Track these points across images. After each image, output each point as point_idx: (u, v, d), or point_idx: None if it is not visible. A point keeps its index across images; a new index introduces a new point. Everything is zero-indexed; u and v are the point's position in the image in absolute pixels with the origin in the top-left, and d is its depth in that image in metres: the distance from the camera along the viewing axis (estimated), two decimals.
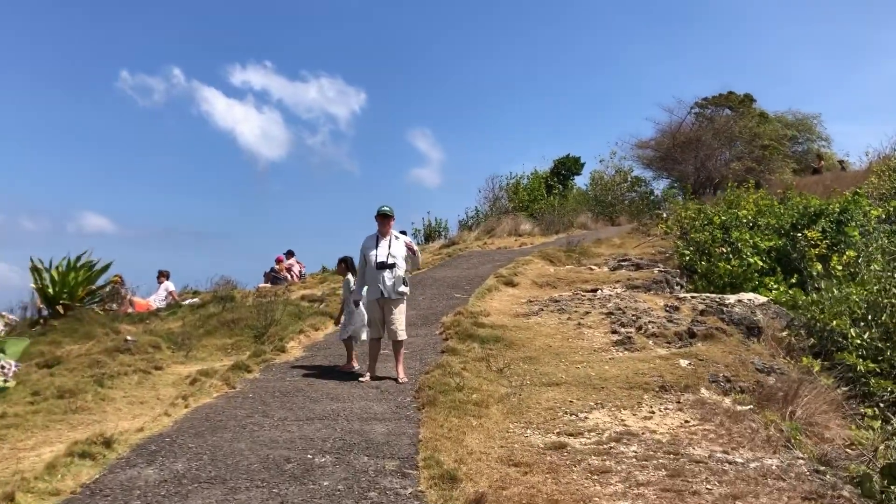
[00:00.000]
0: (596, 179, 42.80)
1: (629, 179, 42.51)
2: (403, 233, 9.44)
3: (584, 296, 14.56)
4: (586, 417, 7.33)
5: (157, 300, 16.91)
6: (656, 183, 43.26)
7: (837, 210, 17.29)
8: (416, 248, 9.17)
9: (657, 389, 8.20)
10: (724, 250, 17.05)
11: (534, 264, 18.18)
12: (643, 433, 6.75)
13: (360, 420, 7.01)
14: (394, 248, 8.80)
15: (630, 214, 38.50)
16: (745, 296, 13.28)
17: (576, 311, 12.89)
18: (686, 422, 7.16)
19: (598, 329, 11.46)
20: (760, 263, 16.36)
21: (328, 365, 9.85)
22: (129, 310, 16.18)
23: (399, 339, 8.81)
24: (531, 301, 14.48)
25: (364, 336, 9.71)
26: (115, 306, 15.86)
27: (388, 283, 8.66)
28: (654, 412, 7.49)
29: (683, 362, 9.05)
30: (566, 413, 7.47)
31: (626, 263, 18.16)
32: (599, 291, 15.31)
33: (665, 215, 18.53)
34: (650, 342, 10.19)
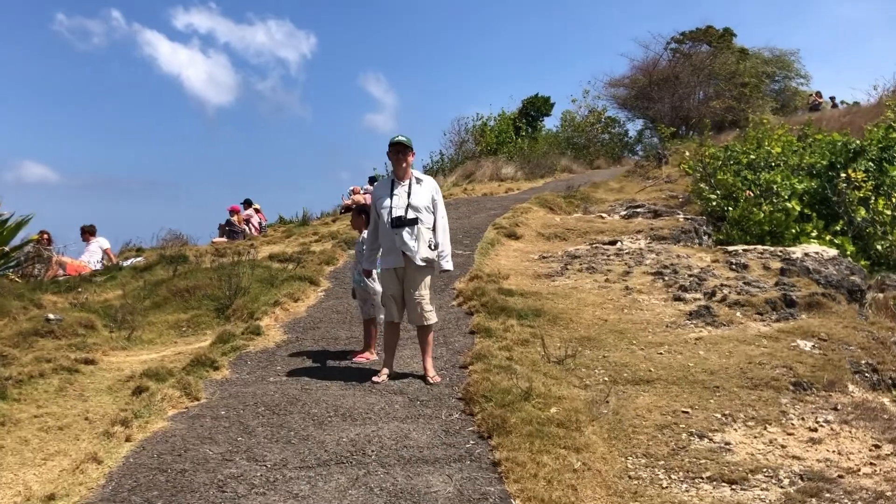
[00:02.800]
0: (568, 120, 40.54)
1: (602, 120, 40.35)
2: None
3: (606, 250, 12.26)
4: (724, 442, 5.01)
5: (92, 261, 14.04)
6: (631, 124, 41.26)
7: (879, 146, 15.17)
8: (439, 193, 6.55)
9: (792, 387, 5.92)
10: (754, 193, 14.87)
11: (534, 213, 15.78)
12: (834, 474, 4.45)
13: (401, 463, 4.55)
14: (416, 197, 6.25)
15: (608, 156, 36.37)
16: (809, 248, 11.08)
17: (610, 271, 10.59)
18: (875, 446, 4.89)
19: (652, 295, 9.15)
20: (798, 209, 14.21)
21: (321, 351, 7.36)
22: (60, 273, 13.32)
23: (426, 323, 6.33)
24: (545, 257, 12.13)
25: (381, 315, 7.28)
26: (39, 270, 12.99)
27: (410, 245, 6.13)
28: (815, 428, 5.20)
29: (804, 344, 6.80)
30: (689, 434, 5.14)
31: (641, 210, 15.89)
32: (619, 243, 13.05)
33: (687, 154, 16.26)
34: (737, 313, 7.91)
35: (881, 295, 8.70)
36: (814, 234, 14.13)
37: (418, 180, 6.36)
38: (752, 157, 15.38)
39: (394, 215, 6.17)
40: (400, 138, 6.38)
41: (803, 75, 40.13)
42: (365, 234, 7.24)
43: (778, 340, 6.98)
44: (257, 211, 19.59)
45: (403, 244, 6.11)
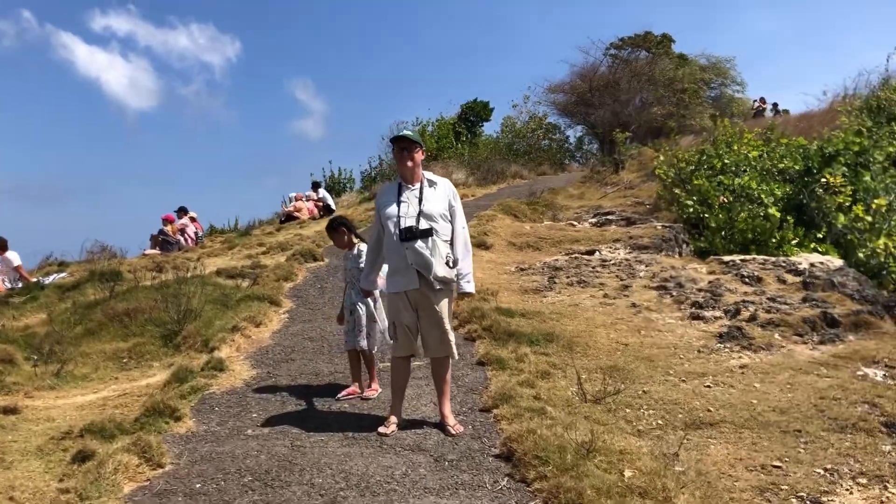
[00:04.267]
0: (508, 126, 39.90)
1: (543, 126, 39.84)
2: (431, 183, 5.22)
3: (588, 261, 11.32)
4: None
5: (4, 279, 12.27)
6: (571, 130, 40.82)
7: (855, 150, 14.66)
8: (457, 198, 5.37)
9: (885, 429, 4.98)
10: (728, 199, 14.16)
11: (500, 220, 14.74)
12: None
13: None
14: (429, 203, 5.04)
15: (550, 163, 35.71)
16: (811, 257, 10.36)
17: (603, 285, 9.64)
18: None
19: (664, 313, 8.20)
20: (778, 215, 13.54)
21: (301, 389, 6.08)
22: None
23: (446, 354, 5.14)
24: (523, 269, 11.11)
25: (378, 345, 6.09)
26: None
27: (425, 261, 4.93)
28: None
29: (872, 372, 5.89)
30: (798, 499, 4.12)
31: (612, 218, 15.03)
32: (598, 253, 12.14)
33: (661, 157, 15.50)
34: (775, 335, 6.99)
35: None
36: (794, 241, 13.52)
37: (431, 183, 5.15)
38: (727, 161, 14.66)
39: (403, 226, 4.96)
40: (405, 132, 5.19)
41: (739, 82, 40.38)
42: (359, 246, 6.05)
43: (838, 368, 6.06)
44: (193, 220, 17.98)
45: (417, 260, 4.91)
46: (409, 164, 5.10)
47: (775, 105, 31.57)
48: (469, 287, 5.11)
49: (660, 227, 13.59)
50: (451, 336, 5.10)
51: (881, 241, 13.56)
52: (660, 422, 5.24)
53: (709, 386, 5.91)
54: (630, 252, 12.25)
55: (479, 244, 12.49)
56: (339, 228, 6.10)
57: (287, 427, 5.21)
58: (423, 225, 4.94)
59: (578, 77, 38.78)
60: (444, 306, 5.03)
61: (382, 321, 6.02)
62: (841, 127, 19.63)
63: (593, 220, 15.09)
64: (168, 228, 16.76)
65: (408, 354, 5.19)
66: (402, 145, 5.11)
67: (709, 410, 5.36)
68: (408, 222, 4.96)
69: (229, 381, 6.36)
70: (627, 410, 5.46)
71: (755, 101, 32.19)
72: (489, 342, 6.95)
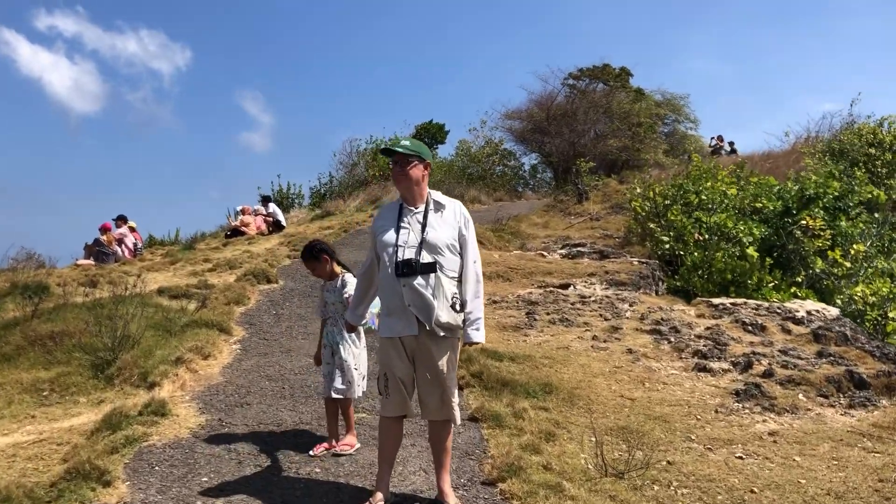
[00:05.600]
0: (463, 150, 39.29)
1: (499, 151, 39.35)
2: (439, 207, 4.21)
3: (565, 296, 10.53)
4: None
5: None
6: (526, 158, 40.40)
7: (834, 194, 14.28)
8: (470, 225, 4.42)
9: None
10: (703, 236, 13.59)
11: None
12: None
13: None
14: (433, 231, 4.07)
15: (505, 189, 35.13)
16: (808, 304, 9.74)
17: (587, 324, 8.87)
18: None
19: (664, 361, 7.41)
20: (756, 256, 12.99)
21: (263, 443, 5.05)
22: None
23: (447, 418, 4.20)
24: (496, 301, 10.26)
25: (359, 392, 5.12)
26: None
27: (424, 303, 3.98)
28: None
29: None
30: None
31: (584, 250, 14.30)
32: (572, 288, 11.38)
33: (638, 190, 14.84)
34: (799, 395, 6.24)
35: None
36: (771, 284, 13.00)
37: (438, 206, 4.20)
38: (704, 197, 14.11)
39: (400, 258, 4.01)
40: (404, 143, 4.24)
41: (692, 119, 40.62)
42: (344, 277, 5.09)
43: (884, 442, 5.31)
44: (132, 230, 16.65)
45: (416, 301, 3.96)
46: (405, 182, 4.15)
47: (731, 143, 31.59)
48: (478, 336, 4.11)
49: (636, 263, 12.91)
50: (455, 396, 4.15)
51: (859, 288, 13.13)
52: None
53: (741, 457, 5.09)
54: (606, 288, 11.52)
55: None
56: (322, 256, 5.11)
57: (246, 499, 4.18)
58: (426, 258, 3.99)
59: (536, 105, 38.42)
60: (446, 359, 4.06)
61: (363, 365, 5.09)
62: (805, 168, 19.48)
63: (563, 252, 14.35)
64: (104, 238, 15.44)
65: (400, 414, 4.21)
66: (395, 160, 4.18)
67: (752, 492, 4.52)
68: (407, 253, 4.00)
69: (173, 430, 5.27)
70: (656, 488, 4.58)
71: (713, 138, 32.20)
72: (480, 392, 6.03)
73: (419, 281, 3.94)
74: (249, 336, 8.06)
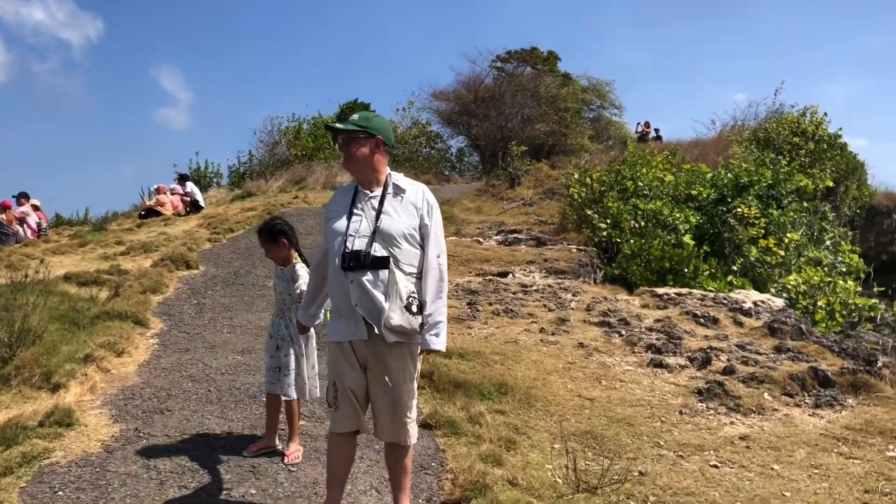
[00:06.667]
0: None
1: (426, 133, 38.79)
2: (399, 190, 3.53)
3: (506, 285, 10.13)
4: None
5: None
6: (453, 140, 39.93)
7: (767, 182, 14.28)
8: (435, 212, 3.86)
9: None
10: (639, 223, 13.39)
11: None
12: None
13: None
14: (388, 219, 3.48)
15: (432, 172, 34.62)
16: (753, 295, 9.57)
17: (532, 315, 8.46)
18: None
19: (619, 356, 7.05)
20: (692, 243, 12.85)
21: (188, 454, 4.40)
22: None
23: (406, 442, 3.61)
24: None
25: (317, 393, 4.54)
26: None
27: (372, 304, 3.39)
28: None
29: None
30: None
31: (520, 237, 13.90)
32: (512, 276, 10.99)
33: (576, 176, 14.46)
34: (764, 394, 5.94)
35: (887, 359, 7.12)
36: (707, 272, 12.89)
37: (398, 190, 3.60)
38: (641, 183, 13.90)
39: (349, 248, 3.42)
40: (352, 117, 3.63)
41: (617, 106, 40.93)
42: (298, 265, 4.48)
43: (860, 446, 5.03)
44: (36, 208, 15.39)
45: (363, 301, 3.38)
46: (354, 163, 3.55)
47: (657, 130, 31.82)
48: (437, 343, 3.48)
49: (574, 251, 12.58)
50: (413, 412, 3.59)
51: (792, 276, 13.19)
52: None
53: (716, 466, 4.72)
54: (546, 276, 11.16)
55: None
56: (280, 238, 4.48)
57: None
58: (379, 250, 3.40)
59: (463, 86, 37.96)
60: (402, 368, 3.49)
61: (312, 368, 4.52)
62: (733, 156, 19.63)
63: (499, 238, 13.92)
64: (3, 217, 14.18)
65: (352, 430, 3.63)
66: (342, 138, 3.60)
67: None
68: (356, 244, 3.41)
69: (80, 444, 4.56)
70: (631, 503, 4.16)
71: (639, 124, 32.35)
72: (432, 395, 5.51)
73: (368, 277, 3.36)
74: (168, 329, 7.32)
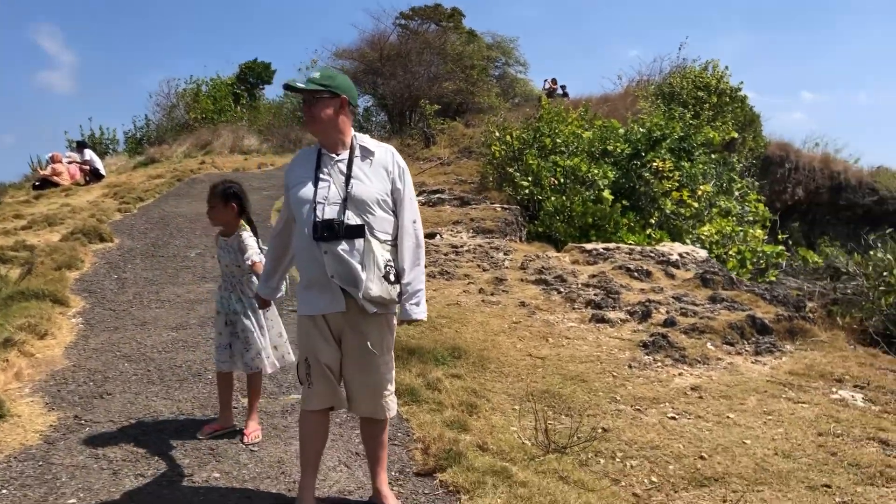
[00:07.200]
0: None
1: None
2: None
3: (436, 245, 10.04)
4: None
5: None
6: (360, 100, 39.25)
7: (679, 136, 14.62)
8: (406, 176, 3.51)
9: None
10: (558, 180, 13.52)
11: None
12: None
13: None
14: (359, 185, 3.28)
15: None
16: (677, 246, 9.80)
17: (468, 276, 8.43)
18: None
19: (561, 313, 7.10)
20: (610, 199, 13.07)
21: (137, 440, 4.14)
22: None
23: (385, 415, 3.49)
24: None
25: (290, 359, 4.33)
26: None
27: (350, 274, 3.21)
28: None
29: (849, 396, 5.11)
30: None
31: (444, 197, 13.81)
32: (439, 237, 10.93)
33: (497, 133, 14.36)
34: (707, 345, 6.09)
35: (812, 304, 7.42)
36: (626, 226, 13.16)
37: (366, 153, 3.41)
38: (559, 140, 13.98)
39: (320, 217, 3.23)
40: (312, 74, 3.41)
41: (522, 63, 41.04)
42: (244, 234, 4.23)
43: (805, 390, 5.22)
44: None
45: (340, 271, 3.21)
46: (313, 124, 3.35)
47: (563, 87, 32.12)
48: (418, 312, 3.41)
49: (499, 209, 12.59)
50: (392, 384, 3.47)
51: (706, 227, 13.61)
52: (653, 479, 4.01)
53: (674, 418, 4.80)
54: (474, 236, 11.14)
55: None
56: (231, 203, 4.21)
57: None
58: (352, 219, 3.22)
59: (368, 44, 37.27)
60: (381, 339, 3.36)
61: (280, 336, 4.33)
62: (641, 111, 20.00)
63: (422, 199, 13.79)
64: None
65: (327, 406, 3.48)
66: (303, 99, 3.38)
67: (702, 458, 4.22)
68: (328, 212, 3.22)
69: (16, 437, 4.22)
70: (602, 461, 4.18)
71: (546, 80, 32.57)
72: None
73: (343, 246, 3.18)
74: (91, 307, 6.90)
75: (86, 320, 6.49)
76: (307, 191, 3.28)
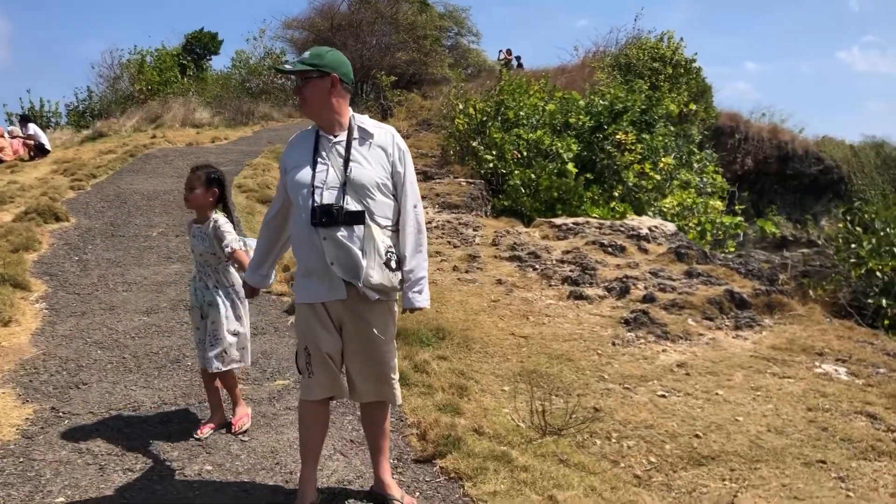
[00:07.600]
0: (242, 61, 36.65)
1: (281, 64, 37.19)
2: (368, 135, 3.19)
3: None
4: None
5: None
6: None
7: (640, 108, 14.66)
8: (407, 158, 3.40)
9: None
10: (522, 153, 13.47)
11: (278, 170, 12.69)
12: None
13: None
14: (359, 168, 3.14)
15: (290, 104, 33.40)
16: (646, 220, 9.83)
17: (440, 254, 8.36)
18: None
19: (537, 290, 7.08)
20: (574, 172, 13.06)
21: (121, 432, 3.98)
22: None
23: (392, 398, 3.39)
24: None
25: (248, 360, 4.19)
26: None
27: (350, 261, 3.09)
28: None
29: (832, 370, 5.18)
30: None
31: None
32: None
33: (461, 106, 14.16)
34: (688, 321, 6.12)
35: (783, 276, 7.54)
36: (590, 199, 13.18)
37: (365, 135, 3.27)
38: (522, 113, 13.90)
39: (318, 202, 3.10)
40: (304, 55, 3.28)
41: (475, 33, 40.74)
42: (218, 217, 4.05)
43: (789, 365, 5.29)
44: None
45: (340, 258, 3.09)
46: (305, 106, 3.23)
47: (518, 58, 31.97)
48: (421, 300, 3.26)
49: (464, 184, 12.48)
50: (395, 372, 3.38)
51: (668, 199, 13.72)
52: (651, 459, 4.01)
53: (664, 396, 4.82)
54: (440, 211, 11.03)
55: (266, 200, 10.50)
56: (212, 188, 4.02)
57: None
58: (352, 204, 3.10)
59: (318, 14, 36.62)
60: (384, 327, 3.25)
61: (245, 328, 4.15)
62: (599, 83, 20.02)
63: None
64: None
65: (328, 396, 3.37)
66: (296, 81, 3.25)
67: (697, 436, 4.24)
68: (326, 197, 3.09)
69: None
70: (598, 442, 4.17)
71: (501, 51, 32.34)
72: None
73: (343, 233, 3.05)
74: (54, 291, 6.62)
75: (50, 305, 6.23)
76: (304, 174, 3.15)
